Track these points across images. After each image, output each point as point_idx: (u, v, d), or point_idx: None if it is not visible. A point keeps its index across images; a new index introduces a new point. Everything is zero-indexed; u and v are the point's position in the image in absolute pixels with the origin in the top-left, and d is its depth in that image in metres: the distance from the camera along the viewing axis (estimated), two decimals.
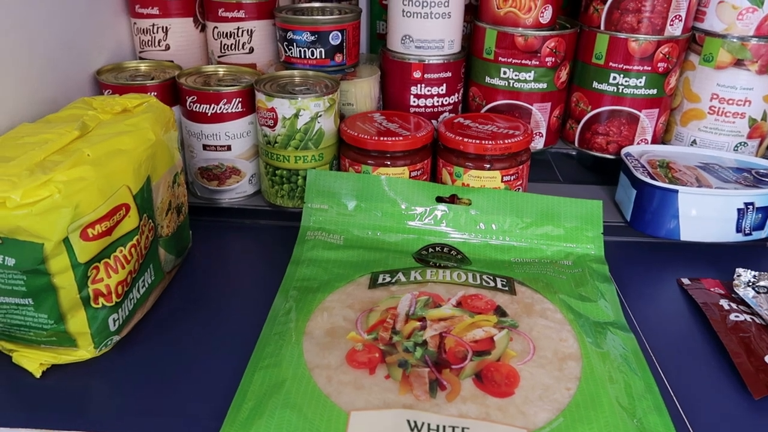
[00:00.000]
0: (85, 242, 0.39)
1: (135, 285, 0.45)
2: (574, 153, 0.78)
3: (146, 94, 0.54)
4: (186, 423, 0.39)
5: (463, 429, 0.36)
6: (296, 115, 0.56)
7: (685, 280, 0.54)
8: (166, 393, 0.41)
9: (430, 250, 0.56)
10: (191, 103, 0.58)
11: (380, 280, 0.50)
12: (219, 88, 0.58)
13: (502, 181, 0.58)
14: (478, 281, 0.50)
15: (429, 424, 0.36)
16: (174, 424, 0.39)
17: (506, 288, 0.49)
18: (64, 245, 0.38)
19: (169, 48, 0.68)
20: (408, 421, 0.36)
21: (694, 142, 0.68)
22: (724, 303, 0.50)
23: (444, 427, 0.36)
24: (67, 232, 0.38)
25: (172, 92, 0.60)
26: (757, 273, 0.52)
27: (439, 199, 0.57)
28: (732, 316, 0.48)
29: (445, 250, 0.56)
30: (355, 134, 0.58)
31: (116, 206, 0.41)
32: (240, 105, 0.59)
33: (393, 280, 0.50)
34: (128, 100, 0.50)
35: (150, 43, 0.68)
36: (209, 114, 0.58)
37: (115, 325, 0.43)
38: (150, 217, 0.46)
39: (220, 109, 0.58)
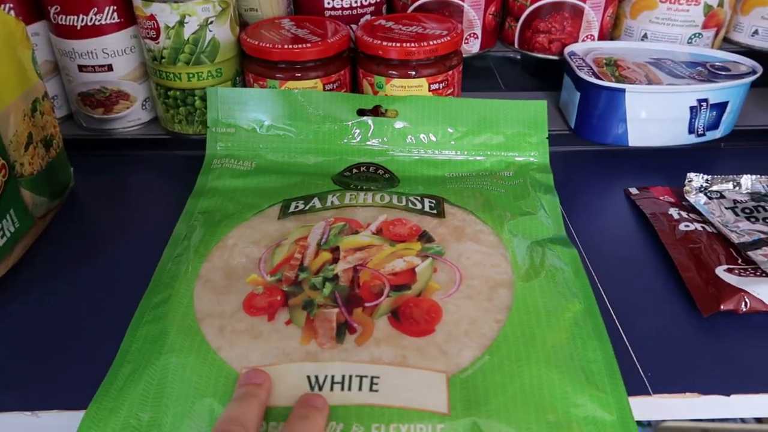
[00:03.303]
0: None
1: None
2: (518, 57, 0.71)
3: None
4: (59, 395, 0.33)
5: (372, 378, 0.31)
6: (181, 23, 0.47)
7: (633, 190, 0.49)
8: (36, 360, 0.35)
9: (354, 171, 0.49)
10: (55, 15, 0.49)
11: (292, 209, 0.44)
12: None
13: (429, 90, 0.51)
14: (404, 203, 0.44)
15: (333, 377, 0.31)
16: (43, 396, 0.33)
17: (434, 211, 0.43)
18: None
19: None
20: (308, 378, 0.31)
21: (645, 36, 0.61)
22: (674, 212, 0.45)
23: (351, 377, 0.31)
24: None
25: (33, 3, 0.50)
26: (709, 177, 0.47)
27: (361, 112, 0.50)
28: (682, 226, 0.43)
29: (371, 169, 0.49)
30: (257, 43, 0.50)
31: None
32: (116, 15, 0.49)
33: (306, 208, 0.44)
34: None
35: None
36: (79, 27, 0.49)
37: None
38: None
39: (91, 20, 0.49)
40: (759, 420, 0.71)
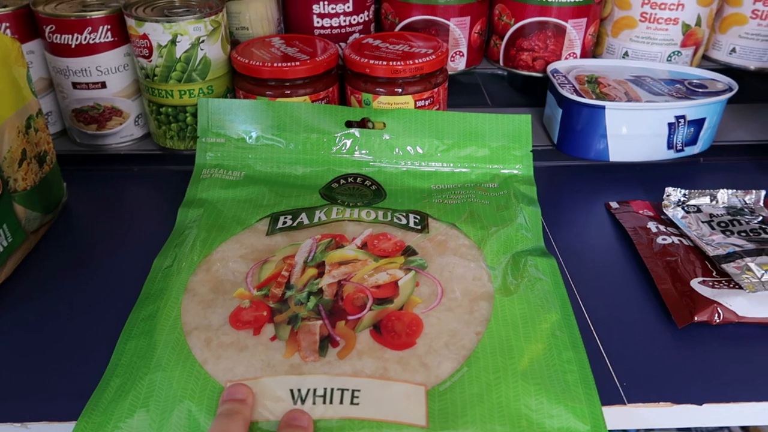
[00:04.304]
0: None
1: None
2: (504, 73, 0.73)
3: None
4: (49, 407, 0.33)
5: (353, 391, 0.32)
6: (173, 42, 0.49)
7: (614, 204, 0.50)
8: (30, 375, 0.35)
9: (342, 182, 0.50)
10: (50, 34, 0.50)
11: (280, 224, 0.45)
12: (82, 14, 0.49)
13: (415, 107, 0.53)
14: (389, 218, 0.45)
15: (315, 390, 0.32)
16: (33, 408, 0.33)
17: (419, 226, 0.45)
18: None
19: None
20: (291, 391, 0.32)
21: (626, 54, 0.63)
22: (652, 226, 0.46)
23: (332, 390, 0.32)
24: None
25: (29, 22, 0.52)
26: (687, 191, 0.49)
27: (349, 124, 0.51)
28: (659, 239, 0.45)
29: (358, 180, 0.50)
30: (247, 61, 0.51)
31: None
32: (110, 34, 0.51)
33: (295, 224, 0.45)
34: None
35: None
36: (74, 46, 0.50)
37: None
38: None
39: (85, 39, 0.50)
40: (745, 429, 0.72)
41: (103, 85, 0.52)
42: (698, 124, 0.53)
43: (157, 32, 0.48)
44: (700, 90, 0.54)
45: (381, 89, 0.52)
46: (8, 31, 0.51)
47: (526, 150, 0.51)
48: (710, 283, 0.40)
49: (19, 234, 0.43)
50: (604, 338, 0.38)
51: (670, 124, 0.52)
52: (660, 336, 0.38)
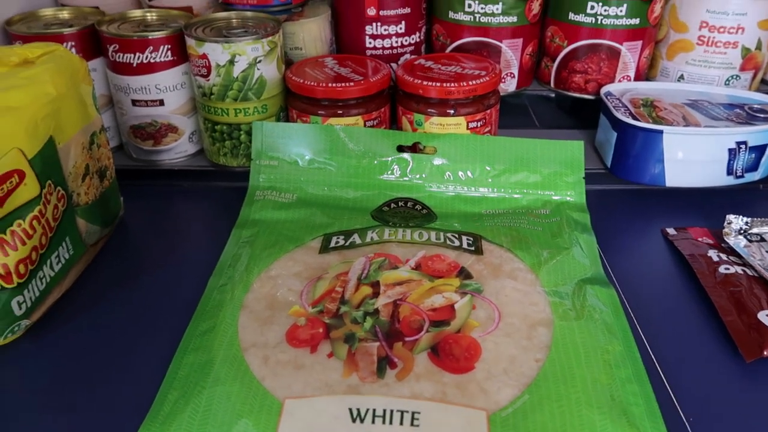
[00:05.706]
0: None
1: (45, 262, 0.40)
2: (552, 95, 0.72)
3: (61, 44, 0.47)
4: (108, 419, 0.34)
5: (413, 413, 0.31)
6: (231, 62, 0.50)
7: (671, 230, 0.49)
8: (87, 384, 0.36)
9: (393, 205, 0.50)
10: (113, 53, 0.51)
11: (333, 244, 0.45)
12: (144, 34, 0.51)
13: (467, 129, 0.52)
14: (442, 240, 0.45)
15: (374, 410, 0.32)
16: (93, 421, 0.34)
17: (472, 247, 0.44)
18: None
19: None
20: (350, 410, 0.32)
21: (681, 77, 0.62)
22: (713, 254, 0.45)
23: (392, 411, 0.32)
24: None
25: (93, 42, 0.53)
26: (749, 219, 0.47)
27: (401, 149, 0.52)
28: (722, 269, 0.43)
29: (409, 204, 0.50)
30: (301, 81, 0.52)
31: (5, 173, 0.35)
32: (169, 53, 0.52)
33: (347, 243, 0.45)
34: (29, 50, 0.43)
35: None
36: (135, 65, 0.51)
37: (21, 308, 0.38)
38: (58, 184, 0.40)
39: (146, 58, 0.51)
40: None
41: (161, 102, 0.53)
42: (760, 150, 0.52)
43: (216, 52, 0.49)
44: (761, 115, 0.53)
45: (433, 110, 0.52)
46: (73, 49, 0.53)
47: (579, 177, 0.50)
48: None
49: (79, 247, 0.43)
50: (666, 370, 0.37)
51: (730, 150, 0.51)
52: (726, 370, 0.37)
